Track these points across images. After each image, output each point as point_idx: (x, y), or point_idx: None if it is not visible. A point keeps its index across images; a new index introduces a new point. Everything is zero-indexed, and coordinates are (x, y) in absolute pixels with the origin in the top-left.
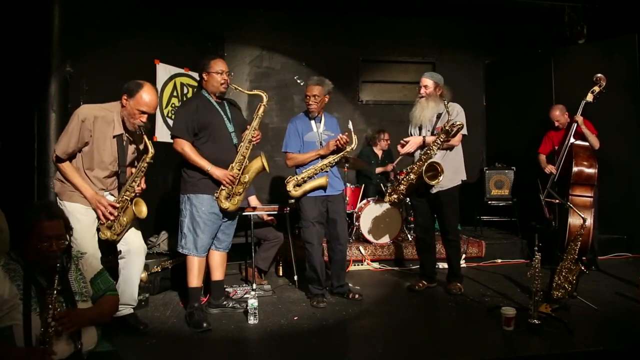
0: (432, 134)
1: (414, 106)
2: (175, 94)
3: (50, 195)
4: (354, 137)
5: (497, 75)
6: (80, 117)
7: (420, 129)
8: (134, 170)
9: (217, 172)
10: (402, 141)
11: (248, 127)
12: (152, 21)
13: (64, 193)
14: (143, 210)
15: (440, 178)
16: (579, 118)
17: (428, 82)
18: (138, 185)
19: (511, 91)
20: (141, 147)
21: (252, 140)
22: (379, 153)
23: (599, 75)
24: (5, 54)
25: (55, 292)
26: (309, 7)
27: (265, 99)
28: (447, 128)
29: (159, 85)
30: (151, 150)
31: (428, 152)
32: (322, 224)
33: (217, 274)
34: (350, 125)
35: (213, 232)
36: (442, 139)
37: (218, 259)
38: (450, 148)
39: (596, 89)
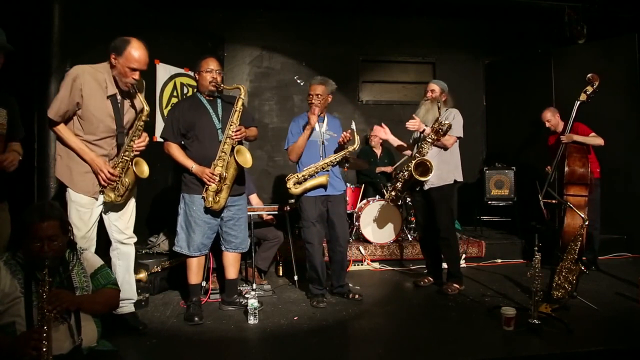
0: None
1: (419, 107)
2: (175, 94)
3: (50, 195)
4: (357, 138)
5: (497, 75)
6: (72, 75)
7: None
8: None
9: (198, 170)
10: (413, 115)
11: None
12: (152, 21)
13: (68, 176)
14: (144, 169)
15: (430, 174)
16: (564, 138)
17: (435, 87)
18: (137, 143)
19: (511, 91)
20: (137, 105)
21: (232, 135)
22: (378, 152)
23: (590, 75)
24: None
25: (47, 286)
26: (309, 7)
27: (242, 92)
28: (436, 127)
29: (159, 85)
30: (146, 107)
31: (420, 149)
32: (323, 224)
33: (229, 273)
34: (354, 126)
35: (207, 232)
36: (432, 137)
37: (229, 258)
38: (445, 148)
39: (589, 88)
